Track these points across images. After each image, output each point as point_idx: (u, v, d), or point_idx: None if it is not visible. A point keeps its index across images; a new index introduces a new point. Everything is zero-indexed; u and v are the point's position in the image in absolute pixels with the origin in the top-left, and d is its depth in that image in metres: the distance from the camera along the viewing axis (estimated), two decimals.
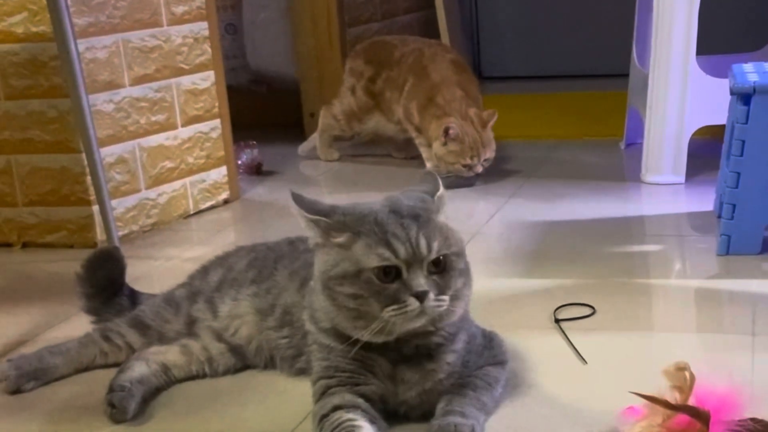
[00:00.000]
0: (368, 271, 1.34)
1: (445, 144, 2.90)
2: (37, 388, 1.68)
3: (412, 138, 3.15)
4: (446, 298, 1.36)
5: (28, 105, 2.49)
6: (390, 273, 1.34)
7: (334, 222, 1.38)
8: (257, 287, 1.69)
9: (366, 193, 3.00)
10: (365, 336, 1.36)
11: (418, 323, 1.36)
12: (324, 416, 1.37)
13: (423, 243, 1.35)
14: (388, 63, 3.23)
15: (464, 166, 2.90)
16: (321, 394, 1.41)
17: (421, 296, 1.33)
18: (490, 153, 2.93)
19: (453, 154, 2.90)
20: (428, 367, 1.41)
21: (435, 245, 1.35)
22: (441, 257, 1.36)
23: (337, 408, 1.37)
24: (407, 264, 1.34)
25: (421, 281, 1.34)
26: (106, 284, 1.86)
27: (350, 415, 1.36)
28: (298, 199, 1.39)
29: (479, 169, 2.91)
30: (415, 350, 1.40)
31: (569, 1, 4.90)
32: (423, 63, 3.15)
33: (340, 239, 1.37)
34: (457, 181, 2.92)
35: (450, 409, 1.38)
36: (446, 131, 2.88)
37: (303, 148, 3.51)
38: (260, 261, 1.75)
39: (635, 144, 3.20)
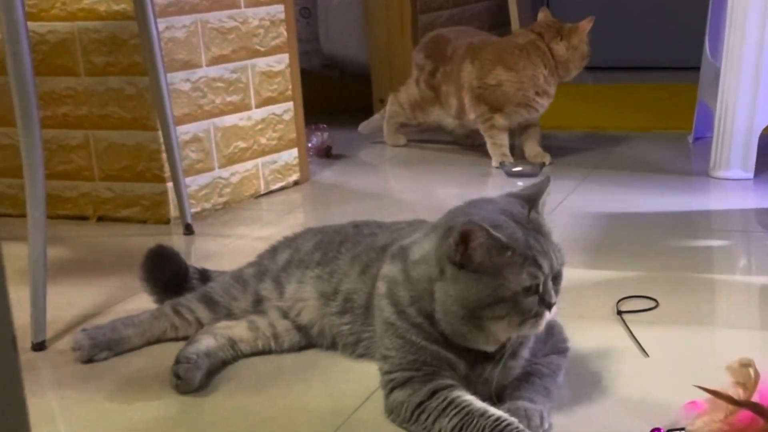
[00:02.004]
0: (521, 293, 1.34)
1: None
2: (109, 358, 1.71)
3: (477, 128, 3.16)
4: (558, 304, 1.39)
5: (107, 82, 2.54)
6: (531, 289, 1.35)
7: (508, 241, 1.34)
8: (321, 270, 1.70)
9: (432, 180, 3.03)
10: (491, 347, 1.39)
11: (539, 330, 1.38)
12: (421, 402, 1.36)
13: (555, 258, 1.37)
14: (443, 58, 3.26)
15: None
16: (402, 384, 1.40)
17: (550, 307, 1.36)
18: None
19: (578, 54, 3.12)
20: (509, 365, 1.42)
21: (561, 258, 1.38)
22: (562, 269, 1.39)
23: (435, 391, 1.36)
24: (545, 278, 1.36)
25: (552, 294, 1.36)
26: (169, 280, 1.88)
27: (457, 393, 1.36)
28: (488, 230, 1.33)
29: None
30: (501, 352, 1.41)
31: None
32: (476, 45, 3.19)
33: (502, 260, 1.34)
34: (522, 171, 2.93)
35: (518, 395, 1.40)
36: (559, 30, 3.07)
37: (364, 126, 3.54)
38: (326, 243, 1.76)
39: (704, 138, 3.18)
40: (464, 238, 1.32)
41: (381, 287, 1.48)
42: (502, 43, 3.16)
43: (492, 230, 1.31)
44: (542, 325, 1.36)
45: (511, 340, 1.39)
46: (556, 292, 1.38)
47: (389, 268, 1.48)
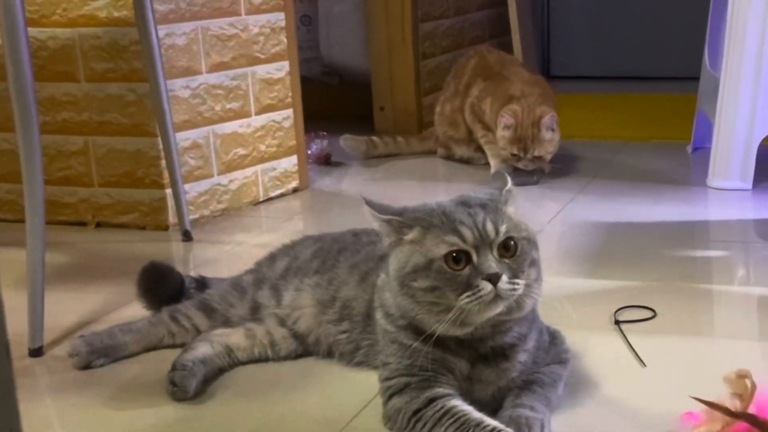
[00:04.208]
0: (439, 260, 1.33)
1: (501, 131, 2.97)
2: (106, 364, 1.72)
3: (478, 138, 3.17)
4: (521, 282, 1.34)
5: (107, 88, 2.55)
6: (460, 259, 1.33)
7: (405, 219, 1.39)
8: (319, 278, 1.71)
9: (433, 188, 3.03)
10: (442, 328, 1.34)
11: (495, 309, 1.33)
12: (418, 410, 1.35)
13: (490, 226, 1.34)
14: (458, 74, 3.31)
15: (512, 155, 2.96)
16: (400, 391, 1.40)
17: (493, 278, 1.31)
18: (540, 151, 2.94)
19: (505, 140, 2.97)
20: (503, 366, 1.41)
21: (502, 228, 1.35)
22: (512, 241, 1.35)
23: (433, 400, 1.36)
24: (476, 248, 1.33)
25: (491, 264, 1.32)
26: (167, 296, 1.87)
27: (454, 402, 1.35)
28: (370, 203, 1.40)
29: (527, 163, 2.94)
30: (491, 350, 1.41)
31: (641, 1, 4.87)
32: (495, 68, 3.19)
33: (412, 235, 1.38)
34: (520, 179, 2.93)
35: (519, 403, 1.39)
36: (500, 118, 2.95)
37: (347, 140, 3.40)
38: (325, 251, 1.77)
39: (703, 148, 3.18)
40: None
41: (375, 296, 1.50)
42: (507, 83, 3.12)
43: (370, 205, 1.39)
44: (488, 299, 1.32)
45: (470, 317, 1.34)
46: (516, 266, 1.35)
47: (380, 279, 1.50)
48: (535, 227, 1.45)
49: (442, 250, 1.34)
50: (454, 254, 1.33)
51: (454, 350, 1.41)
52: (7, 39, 1.76)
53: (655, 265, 2.18)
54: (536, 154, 2.94)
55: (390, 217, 1.40)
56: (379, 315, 1.49)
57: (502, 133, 2.97)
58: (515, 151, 2.94)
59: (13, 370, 0.61)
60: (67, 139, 2.62)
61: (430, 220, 1.37)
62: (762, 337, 1.81)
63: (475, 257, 1.33)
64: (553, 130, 2.95)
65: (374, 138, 3.43)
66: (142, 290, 1.88)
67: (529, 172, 2.96)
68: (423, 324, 1.38)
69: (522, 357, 1.44)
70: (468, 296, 1.32)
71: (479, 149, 3.22)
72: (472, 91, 3.21)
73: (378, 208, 1.40)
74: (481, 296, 1.31)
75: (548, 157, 2.98)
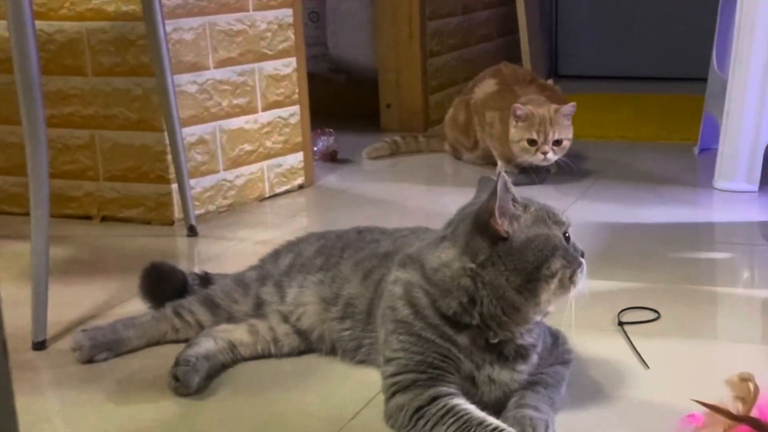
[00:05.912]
0: (559, 238, 1.39)
1: (516, 126, 2.89)
2: (109, 359, 1.72)
3: (485, 139, 3.17)
4: None
5: (114, 82, 2.55)
6: (569, 238, 1.41)
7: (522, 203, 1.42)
8: (323, 275, 1.71)
9: (437, 186, 3.03)
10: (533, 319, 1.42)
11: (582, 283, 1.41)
12: (421, 407, 1.36)
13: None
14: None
15: (529, 141, 2.86)
16: (405, 388, 1.39)
17: (582, 254, 1.42)
18: (560, 134, 2.86)
19: (521, 130, 2.87)
20: (519, 368, 1.42)
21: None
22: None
23: (436, 398, 1.36)
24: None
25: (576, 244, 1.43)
26: (170, 294, 1.86)
27: (457, 401, 1.36)
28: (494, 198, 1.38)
29: (547, 150, 2.86)
30: (514, 351, 1.42)
31: (649, 2, 4.87)
32: (509, 81, 3.18)
33: (530, 214, 1.40)
34: (526, 179, 2.92)
35: (523, 403, 1.39)
36: (514, 112, 2.87)
37: (370, 152, 3.41)
38: (328, 249, 1.77)
39: (709, 149, 3.18)
40: (496, 207, 1.36)
41: (396, 290, 1.46)
42: (515, 98, 3.03)
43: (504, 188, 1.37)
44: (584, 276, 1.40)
45: (548, 308, 1.42)
46: None
47: (402, 274, 1.47)
48: None
49: (563, 225, 1.41)
50: (566, 233, 1.41)
51: (470, 351, 1.41)
52: (15, 32, 1.76)
53: (659, 266, 2.18)
54: (557, 137, 2.86)
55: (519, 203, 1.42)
56: (405, 312, 1.44)
57: (517, 126, 2.88)
58: (534, 136, 2.85)
59: (10, 368, 0.60)
60: (73, 132, 2.62)
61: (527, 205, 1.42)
62: (765, 340, 1.81)
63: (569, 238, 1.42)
64: (569, 122, 2.90)
65: (397, 139, 3.43)
66: (145, 291, 1.88)
67: (537, 172, 2.94)
68: (513, 320, 1.40)
69: (535, 359, 1.45)
70: (579, 273, 1.39)
71: (485, 157, 3.19)
72: (476, 91, 3.21)
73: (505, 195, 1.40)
74: (582, 268, 1.40)
75: (567, 145, 2.89)
